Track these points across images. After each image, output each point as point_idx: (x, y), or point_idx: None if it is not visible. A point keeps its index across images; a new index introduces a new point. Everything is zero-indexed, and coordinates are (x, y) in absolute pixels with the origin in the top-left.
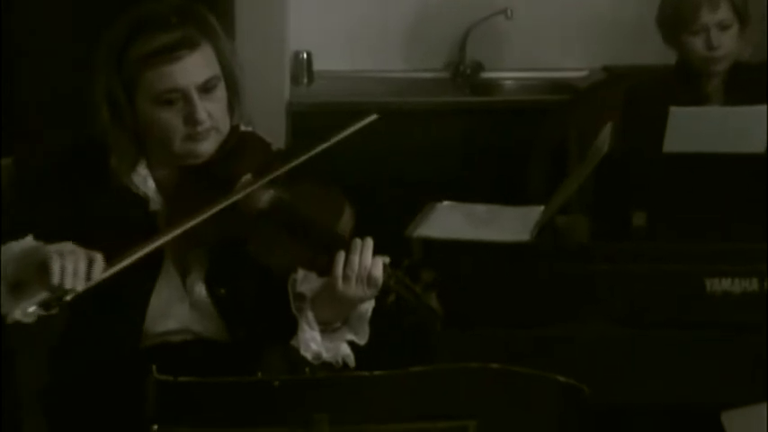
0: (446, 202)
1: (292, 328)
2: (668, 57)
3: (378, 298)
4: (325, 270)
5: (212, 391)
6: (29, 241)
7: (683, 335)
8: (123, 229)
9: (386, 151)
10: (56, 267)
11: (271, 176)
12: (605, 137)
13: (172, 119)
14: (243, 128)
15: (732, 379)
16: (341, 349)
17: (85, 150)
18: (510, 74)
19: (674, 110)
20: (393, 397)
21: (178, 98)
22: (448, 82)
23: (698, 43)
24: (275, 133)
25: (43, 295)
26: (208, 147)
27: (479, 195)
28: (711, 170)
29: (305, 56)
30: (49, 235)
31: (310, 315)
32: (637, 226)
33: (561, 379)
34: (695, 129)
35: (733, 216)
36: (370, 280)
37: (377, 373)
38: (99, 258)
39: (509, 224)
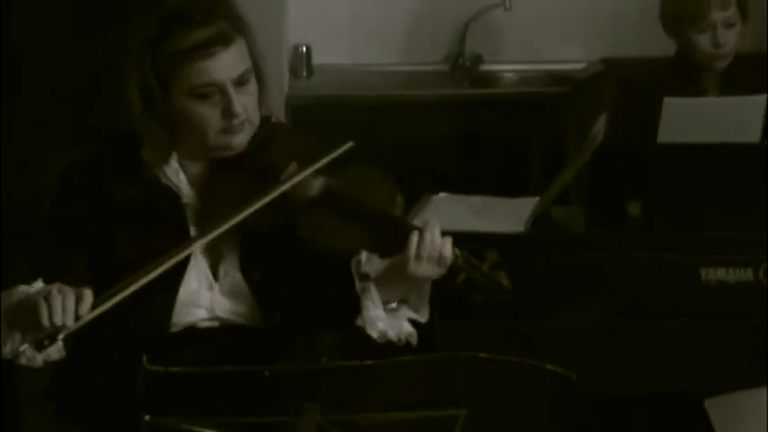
0: (442, 194)
1: (341, 310)
2: (668, 49)
3: (447, 278)
4: (388, 251)
5: (204, 380)
6: (24, 289)
7: (678, 324)
8: (155, 222)
9: (386, 144)
10: (43, 308)
11: (318, 165)
12: (600, 127)
13: (208, 112)
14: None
15: (727, 368)
16: (403, 327)
17: (117, 143)
18: (509, 66)
19: (668, 100)
20: (384, 386)
21: (214, 92)
22: (447, 75)
23: (704, 40)
24: None
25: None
26: (242, 139)
27: (479, 187)
28: (706, 160)
29: (304, 49)
30: (79, 233)
31: (375, 293)
32: (632, 216)
33: (549, 367)
34: (690, 119)
35: (728, 206)
36: (440, 259)
37: (367, 362)
38: (88, 294)
39: (505, 215)
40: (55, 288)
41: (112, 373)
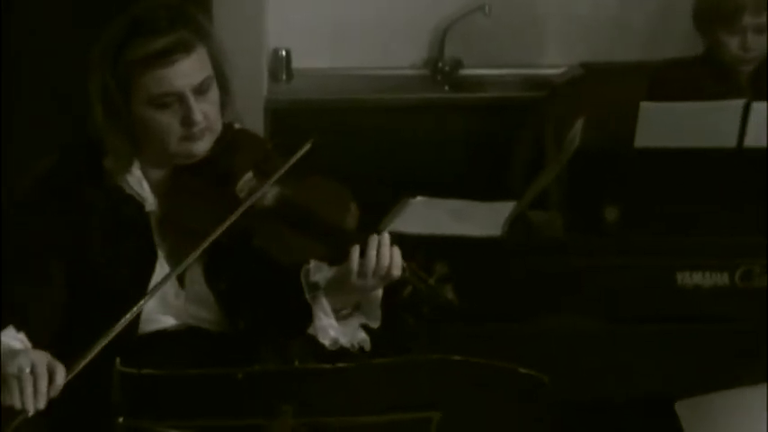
0: (420, 198)
1: (296, 317)
2: (646, 54)
3: (394, 289)
4: (337, 260)
5: (177, 383)
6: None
7: (655, 328)
8: (121, 231)
9: (365, 147)
10: (15, 391)
11: (276, 176)
12: (577, 132)
13: (168, 120)
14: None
15: (704, 372)
16: (356, 334)
17: (80, 151)
18: (489, 71)
19: (644, 105)
20: (357, 389)
21: (174, 100)
22: (427, 79)
23: (733, 43)
24: (253, 130)
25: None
26: (203, 146)
27: (458, 191)
28: (683, 165)
29: (284, 53)
30: (42, 243)
31: (325, 303)
32: (609, 221)
33: (522, 370)
34: (667, 124)
35: (704, 211)
36: (387, 275)
37: (340, 365)
38: (60, 371)
39: (483, 219)
40: (27, 368)
41: (84, 375)
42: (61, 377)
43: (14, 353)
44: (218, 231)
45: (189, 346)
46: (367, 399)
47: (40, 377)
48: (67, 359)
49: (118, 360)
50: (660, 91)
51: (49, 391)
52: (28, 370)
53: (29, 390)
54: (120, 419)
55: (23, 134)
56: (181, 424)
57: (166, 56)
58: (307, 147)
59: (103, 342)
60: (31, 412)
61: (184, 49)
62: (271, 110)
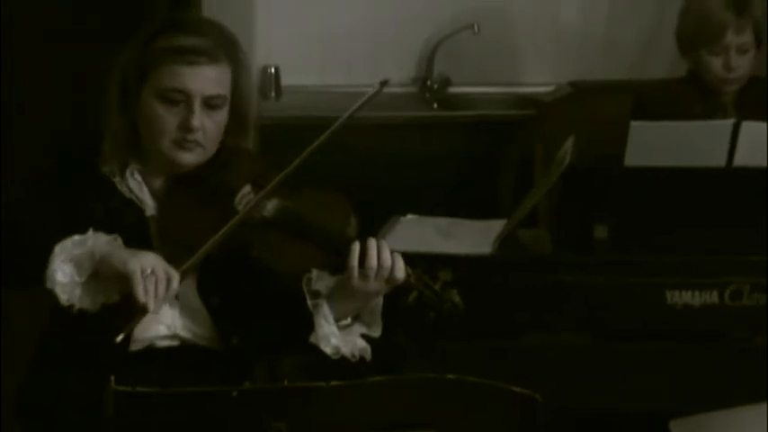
0: (410, 216)
1: (295, 329)
2: (634, 72)
3: (399, 296)
4: (339, 269)
5: (171, 401)
6: (101, 239)
7: (644, 346)
8: (119, 235)
9: (354, 164)
10: (140, 289)
11: (270, 186)
12: (567, 150)
13: (168, 118)
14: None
15: (693, 389)
16: (357, 343)
17: (82, 155)
18: (477, 89)
19: (634, 124)
20: (351, 406)
21: (181, 99)
22: (416, 96)
23: (716, 63)
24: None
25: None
26: (191, 159)
27: (447, 208)
28: (672, 183)
29: (273, 70)
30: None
31: (327, 310)
32: (599, 238)
33: (515, 389)
34: (656, 143)
35: (694, 229)
36: (390, 277)
37: (334, 383)
38: (175, 276)
39: (473, 237)
40: (149, 268)
41: (77, 392)
42: (176, 282)
43: (131, 252)
44: (226, 228)
45: (179, 364)
46: (361, 417)
47: (160, 281)
48: (67, 358)
49: (112, 378)
50: (644, 111)
51: (165, 295)
52: (150, 271)
53: (152, 290)
54: None
55: (23, 134)
56: None
57: (189, 54)
58: (378, 88)
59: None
60: (151, 311)
61: (209, 56)
62: (260, 126)
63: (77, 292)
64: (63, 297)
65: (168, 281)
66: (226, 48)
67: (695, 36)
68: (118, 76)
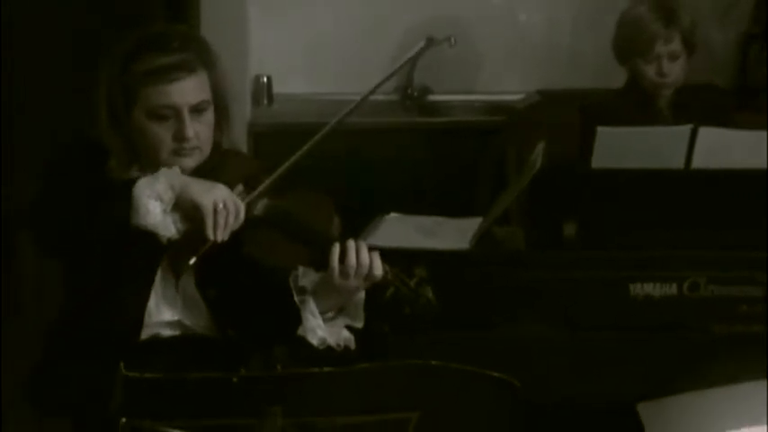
0: (393, 214)
1: (284, 322)
2: (599, 82)
3: (376, 291)
4: (323, 266)
5: (176, 386)
6: (171, 173)
7: (609, 336)
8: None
9: (341, 168)
10: (210, 222)
11: (262, 187)
12: (538, 154)
13: (162, 133)
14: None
15: (655, 377)
16: (341, 334)
17: (87, 153)
18: (454, 96)
19: (601, 129)
20: (342, 391)
21: (171, 114)
22: (398, 104)
23: (650, 70)
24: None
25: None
26: (190, 163)
27: (428, 208)
28: (635, 184)
29: (265, 79)
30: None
31: (312, 305)
32: (567, 236)
33: (495, 374)
34: (621, 146)
35: (655, 226)
36: (369, 276)
37: (326, 369)
38: (242, 207)
39: (452, 234)
40: (221, 203)
41: (88, 377)
42: (243, 213)
43: (205, 185)
44: (283, 168)
45: (182, 354)
46: (351, 400)
47: (231, 213)
48: (66, 357)
49: (122, 364)
50: (589, 119)
51: (234, 225)
52: (222, 205)
53: (221, 222)
54: (123, 420)
55: (23, 134)
56: (179, 424)
57: (170, 73)
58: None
59: (281, 171)
60: (219, 241)
61: (187, 69)
62: (254, 133)
63: (166, 220)
64: (154, 228)
65: (237, 213)
66: (200, 56)
67: (629, 46)
68: (104, 96)
